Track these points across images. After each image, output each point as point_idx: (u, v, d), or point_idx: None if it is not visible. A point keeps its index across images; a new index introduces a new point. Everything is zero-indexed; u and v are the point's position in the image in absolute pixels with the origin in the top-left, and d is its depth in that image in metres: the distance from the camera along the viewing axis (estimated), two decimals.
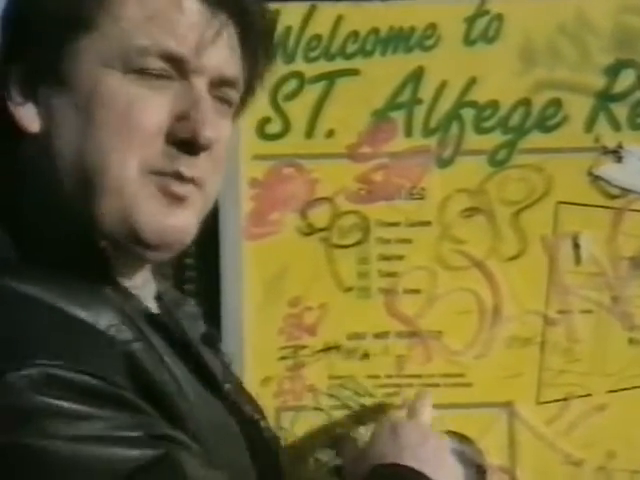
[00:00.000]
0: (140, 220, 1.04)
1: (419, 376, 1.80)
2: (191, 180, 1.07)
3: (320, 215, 1.79)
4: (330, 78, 1.79)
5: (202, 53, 1.03)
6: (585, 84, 1.82)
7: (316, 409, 1.79)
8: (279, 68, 1.77)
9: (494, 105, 1.81)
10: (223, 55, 1.06)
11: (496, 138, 1.81)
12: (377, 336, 1.79)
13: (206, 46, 1.02)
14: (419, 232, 1.80)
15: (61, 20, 1.03)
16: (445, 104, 1.81)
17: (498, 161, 1.81)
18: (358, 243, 1.80)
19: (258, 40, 1.13)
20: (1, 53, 1.08)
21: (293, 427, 1.77)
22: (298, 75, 1.79)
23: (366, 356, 1.79)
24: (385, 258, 1.80)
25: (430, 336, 1.80)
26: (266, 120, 1.78)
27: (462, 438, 1.79)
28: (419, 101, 1.80)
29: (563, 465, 1.82)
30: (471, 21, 1.80)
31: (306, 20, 1.79)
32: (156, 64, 1.01)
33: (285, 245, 1.78)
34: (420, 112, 1.80)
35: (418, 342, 1.80)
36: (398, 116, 1.80)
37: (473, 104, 1.81)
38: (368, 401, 1.79)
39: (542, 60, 1.82)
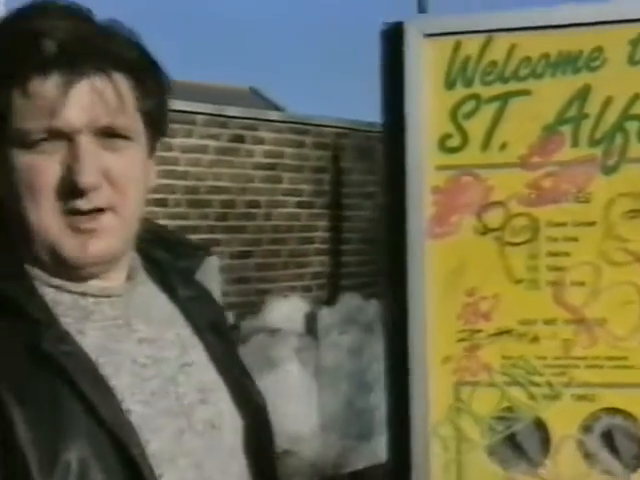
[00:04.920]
0: (65, 255, 1.41)
1: (584, 358, 2.01)
2: (95, 211, 1.41)
3: (494, 217, 2.03)
4: (504, 98, 2.03)
5: (71, 119, 1.37)
6: None
7: (490, 385, 2.03)
8: (459, 91, 2.04)
9: None
10: (97, 111, 1.40)
11: None
12: (546, 322, 2.02)
13: (73, 114, 1.37)
14: (584, 231, 2.00)
15: None
16: (610, 117, 2.00)
17: None
18: (528, 241, 2.02)
19: (140, 78, 1.47)
20: None
21: (470, 400, 2.03)
22: (476, 96, 2.04)
23: (536, 339, 2.02)
24: (553, 254, 2.02)
25: (595, 323, 2.00)
26: (447, 136, 2.04)
27: (626, 415, 1.99)
28: (585, 115, 2.01)
29: None
30: (635, 43, 1.99)
31: (483, 49, 2.03)
32: (41, 137, 1.40)
33: (463, 243, 2.04)
34: (586, 125, 2.01)
35: (584, 328, 2.01)
36: (566, 129, 2.02)
37: (637, 117, 2.00)
38: (537, 379, 2.01)
39: None
